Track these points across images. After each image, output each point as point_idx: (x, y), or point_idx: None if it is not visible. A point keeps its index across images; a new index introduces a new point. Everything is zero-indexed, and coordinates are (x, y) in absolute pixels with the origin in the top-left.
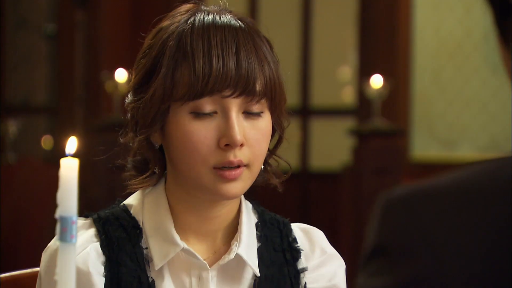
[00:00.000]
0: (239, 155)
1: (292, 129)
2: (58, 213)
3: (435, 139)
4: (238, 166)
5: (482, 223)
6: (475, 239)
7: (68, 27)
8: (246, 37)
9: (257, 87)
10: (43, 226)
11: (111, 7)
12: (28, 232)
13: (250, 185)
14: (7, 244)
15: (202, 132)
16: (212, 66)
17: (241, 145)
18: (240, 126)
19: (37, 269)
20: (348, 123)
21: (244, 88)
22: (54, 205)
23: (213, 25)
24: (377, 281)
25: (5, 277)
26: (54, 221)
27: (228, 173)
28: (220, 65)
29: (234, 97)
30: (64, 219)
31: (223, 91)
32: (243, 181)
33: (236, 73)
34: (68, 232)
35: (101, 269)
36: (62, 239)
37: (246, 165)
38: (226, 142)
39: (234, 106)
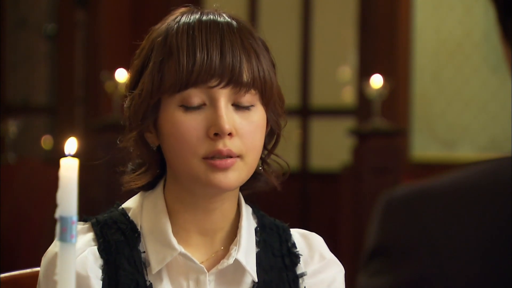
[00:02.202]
0: (228, 144)
1: (292, 129)
2: (58, 213)
3: (435, 139)
4: (230, 157)
5: (482, 223)
6: (475, 239)
7: (68, 27)
8: (232, 30)
9: (244, 78)
10: (43, 226)
11: (111, 7)
12: (28, 232)
13: (246, 178)
14: (7, 244)
15: (191, 123)
16: (196, 57)
17: (230, 134)
18: (229, 116)
19: (37, 269)
20: (348, 123)
21: (230, 78)
22: (54, 205)
23: (199, 21)
24: (377, 281)
25: (5, 277)
26: (54, 221)
27: (219, 162)
28: (204, 56)
29: (221, 88)
30: (64, 219)
31: (208, 82)
32: (236, 172)
33: (221, 63)
34: (68, 232)
35: (99, 272)
36: (62, 239)
37: (239, 156)
38: (215, 131)
39: (222, 97)
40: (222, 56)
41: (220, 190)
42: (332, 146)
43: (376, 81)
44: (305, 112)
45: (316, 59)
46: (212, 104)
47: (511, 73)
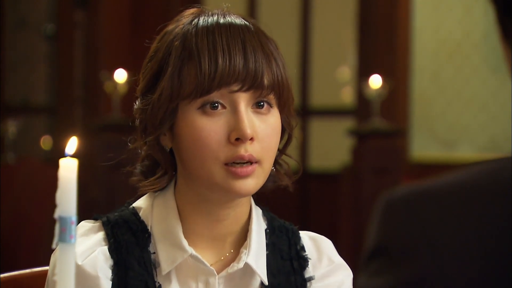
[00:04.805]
0: (250, 149)
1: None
2: (57, 213)
3: (435, 139)
4: (250, 163)
5: (483, 223)
6: (476, 239)
7: (68, 27)
8: (252, 34)
9: (265, 82)
10: (43, 226)
11: (111, 7)
12: (28, 232)
13: (263, 183)
14: (7, 244)
15: (212, 127)
16: (217, 63)
17: (251, 139)
18: (249, 120)
19: (37, 269)
20: (348, 123)
21: (252, 82)
22: (53, 205)
23: (218, 24)
24: (378, 281)
25: (5, 277)
26: (53, 221)
27: (240, 170)
28: (226, 61)
29: (242, 91)
30: (63, 219)
31: (231, 85)
32: (255, 178)
33: (244, 67)
34: (67, 232)
35: (109, 273)
36: (61, 239)
37: (257, 162)
38: (236, 136)
39: (243, 100)
40: (245, 60)
41: (238, 197)
42: (332, 146)
43: (376, 81)
44: (305, 112)
45: (316, 59)
46: (232, 107)
47: (511, 73)
